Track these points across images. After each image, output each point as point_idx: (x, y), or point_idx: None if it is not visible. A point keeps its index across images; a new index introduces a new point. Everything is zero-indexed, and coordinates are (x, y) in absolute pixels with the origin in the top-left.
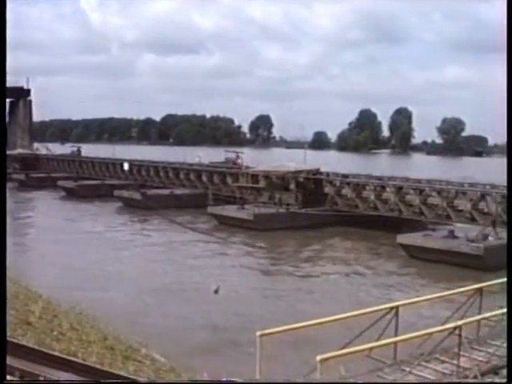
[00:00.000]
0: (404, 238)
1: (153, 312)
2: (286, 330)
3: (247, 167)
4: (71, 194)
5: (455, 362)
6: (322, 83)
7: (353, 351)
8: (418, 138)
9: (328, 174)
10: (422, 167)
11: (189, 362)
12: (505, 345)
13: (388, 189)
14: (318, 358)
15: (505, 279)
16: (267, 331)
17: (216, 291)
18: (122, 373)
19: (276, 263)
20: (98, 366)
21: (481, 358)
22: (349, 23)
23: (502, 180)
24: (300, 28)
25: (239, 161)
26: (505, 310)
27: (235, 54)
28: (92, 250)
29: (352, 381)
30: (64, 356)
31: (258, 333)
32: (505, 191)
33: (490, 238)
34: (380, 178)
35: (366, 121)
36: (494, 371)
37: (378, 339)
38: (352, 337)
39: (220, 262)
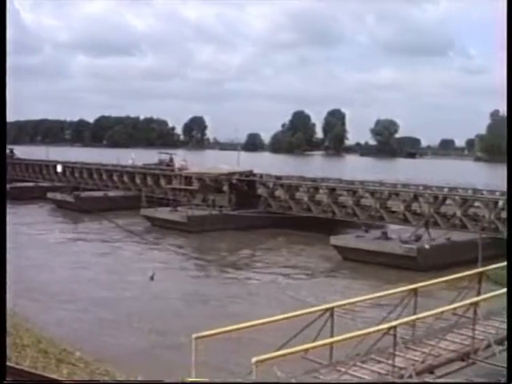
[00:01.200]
0: (337, 240)
1: (80, 316)
2: (222, 332)
3: (180, 169)
4: None
5: (391, 361)
6: (256, 85)
7: (289, 353)
8: (351, 139)
9: (261, 176)
10: (356, 168)
11: (123, 365)
12: (440, 344)
13: (321, 190)
14: (254, 359)
15: (438, 280)
16: (202, 334)
17: (152, 278)
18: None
19: (207, 265)
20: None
21: (416, 358)
22: (282, 24)
23: (435, 181)
24: (233, 29)
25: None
26: (439, 310)
27: (169, 56)
28: (22, 252)
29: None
30: None
31: (194, 335)
32: (437, 192)
33: (423, 239)
34: (313, 180)
35: (299, 122)
36: (430, 370)
37: (314, 340)
38: (287, 338)
39: (149, 264)
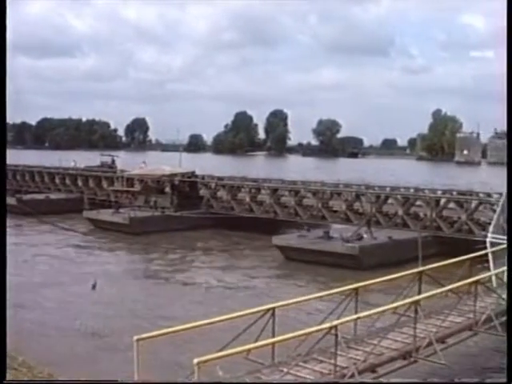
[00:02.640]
0: (279, 240)
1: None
2: (164, 333)
3: (122, 171)
4: None
5: (333, 361)
6: (198, 85)
7: (231, 353)
8: (293, 139)
9: (203, 177)
10: (298, 169)
11: (66, 368)
12: (381, 343)
13: (263, 191)
14: (195, 360)
15: (379, 279)
16: (144, 335)
17: (94, 287)
18: None
19: (148, 267)
20: None
21: (358, 357)
22: (223, 25)
23: (377, 180)
24: (174, 30)
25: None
26: (380, 309)
27: (110, 57)
28: None
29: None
30: None
31: (135, 337)
32: (379, 191)
33: (365, 238)
34: (255, 180)
35: (241, 123)
36: (372, 369)
37: (256, 341)
38: (230, 339)
39: (91, 267)
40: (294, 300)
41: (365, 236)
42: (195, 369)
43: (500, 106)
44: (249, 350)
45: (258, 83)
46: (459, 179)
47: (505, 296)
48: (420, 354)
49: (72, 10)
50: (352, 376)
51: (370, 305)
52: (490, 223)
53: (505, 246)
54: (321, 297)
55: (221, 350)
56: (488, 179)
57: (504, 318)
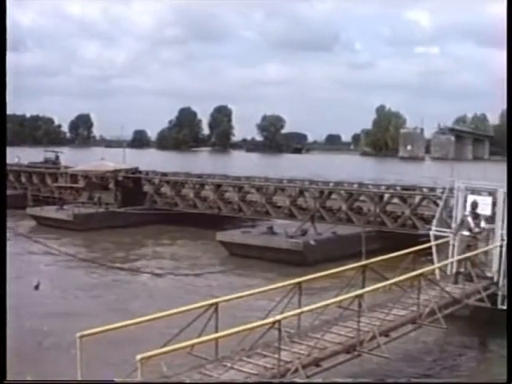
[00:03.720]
0: (223, 236)
1: None
2: (107, 330)
3: (66, 167)
4: None
5: (276, 355)
6: (142, 81)
7: (174, 349)
8: (237, 135)
9: (147, 173)
10: (242, 164)
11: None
12: (325, 337)
13: (207, 186)
14: (139, 357)
15: (323, 273)
16: (87, 332)
17: (37, 287)
18: None
19: (92, 265)
20: None
21: (302, 351)
22: (167, 20)
23: (321, 176)
24: (118, 25)
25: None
26: (324, 303)
27: (54, 52)
28: None
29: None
30: None
31: (78, 334)
32: (322, 186)
33: (308, 234)
34: (199, 176)
35: (185, 119)
36: (316, 363)
37: (199, 336)
38: (174, 335)
39: (33, 267)
40: (237, 295)
41: (309, 231)
42: (138, 365)
43: (443, 101)
44: (192, 346)
45: (202, 79)
46: (403, 174)
47: (448, 289)
48: (364, 347)
49: (15, 4)
50: (296, 370)
51: (313, 299)
52: (433, 218)
53: (448, 239)
54: (264, 291)
55: (164, 346)
56: (432, 174)
57: (447, 311)
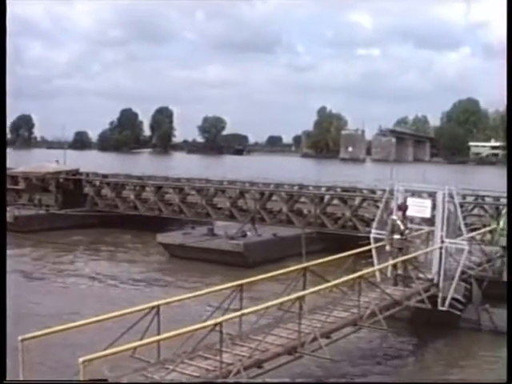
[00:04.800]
0: (164, 237)
1: None
2: (49, 333)
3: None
4: None
5: (218, 358)
6: (83, 82)
7: (116, 351)
8: (179, 136)
9: (88, 174)
10: (183, 166)
11: None
12: (267, 339)
13: (148, 188)
14: (81, 359)
15: (263, 276)
16: (29, 335)
17: None
18: None
19: (31, 268)
20: None
21: (244, 353)
22: (110, 21)
23: (260, 177)
24: (61, 26)
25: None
26: (265, 305)
27: None
28: None
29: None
30: None
31: (20, 337)
32: (263, 188)
33: (249, 235)
34: (140, 178)
35: (127, 120)
36: (258, 365)
37: (142, 339)
38: (115, 338)
39: None
40: (179, 297)
41: (249, 233)
42: (80, 368)
43: (385, 103)
44: (135, 348)
45: (143, 80)
46: (343, 176)
47: (389, 291)
48: (305, 349)
49: None
50: (238, 372)
51: (255, 301)
52: (373, 219)
53: (395, 238)
54: (205, 294)
55: (107, 349)
56: (372, 176)
57: (388, 313)
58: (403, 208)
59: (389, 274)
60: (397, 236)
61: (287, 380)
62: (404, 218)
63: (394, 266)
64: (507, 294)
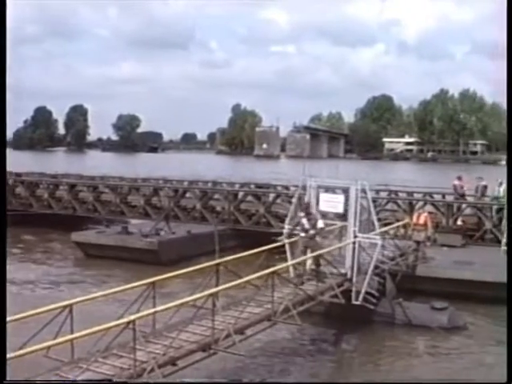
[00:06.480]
0: (78, 236)
1: None
2: None
3: None
4: None
5: (132, 356)
6: None
7: (29, 351)
8: (93, 135)
9: None
10: (97, 164)
11: None
12: (180, 336)
13: (61, 187)
14: None
15: (176, 273)
16: None
17: None
18: None
19: None
20: None
21: (158, 351)
22: (23, 17)
23: (176, 175)
24: None
25: None
26: (178, 302)
27: None
28: None
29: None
30: None
31: None
32: (177, 185)
33: (163, 233)
34: (54, 176)
35: (41, 118)
36: (172, 362)
37: (55, 338)
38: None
39: None
40: (92, 296)
41: (163, 231)
42: None
43: (300, 99)
44: (48, 348)
45: (57, 77)
46: (257, 173)
47: (302, 286)
48: (219, 345)
49: None
50: (152, 370)
51: (169, 298)
52: (287, 215)
53: (301, 236)
54: (119, 292)
55: (20, 349)
56: (287, 172)
57: (302, 308)
58: (306, 207)
59: (292, 274)
60: (302, 234)
61: (205, 380)
62: (308, 216)
63: (301, 264)
64: (507, 293)
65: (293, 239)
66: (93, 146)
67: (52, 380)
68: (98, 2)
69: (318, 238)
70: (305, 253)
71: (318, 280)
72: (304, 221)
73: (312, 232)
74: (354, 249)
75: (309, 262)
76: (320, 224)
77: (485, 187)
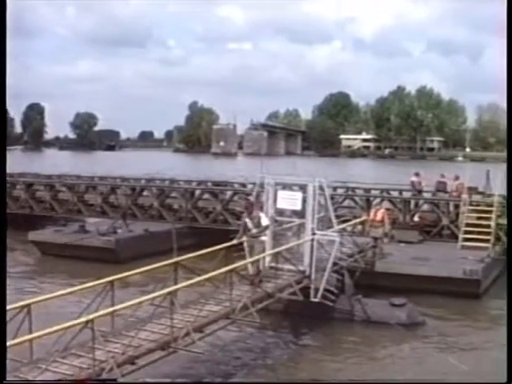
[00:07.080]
0: (35, 235)
1: None
2: None
3: None
4: None
5: (91, 355)
6: None
7: None
8: (50, 133)
9: None
10: (54, 162)
11: None
12: (139, 335)
13: (18, 186)
14: None
15: (134, 271)
16: None
17: None
18: None
19: None
20: None
21: (116, 350)
22: None
23: (134, 173)
24: None
25: None
26: (136, 301)
27: None
28: None
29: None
30: None
31: None
32: (134, 183)
33: (120, 231)
34: (10, 175)
35: None
36: (131, 361)
37: (13, 338)
38: None
39: None
40: (50, 295)
41: (120, 229)
42: None
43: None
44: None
45: (14, 76)
46: (214, 170)
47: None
48: (179, 344)
49: None
50: (111, 369)
51: (127, 297)
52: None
53: (258, 236)
54: (77, 291)
55: None
56: (244, 169)
57: (260, 305)
58: (249, 207)
59: (261, 268)
60: (245, 237)
61: (167, 380)
62: (250, 216)
63: (252, 263)
64: (507, 293)
65: (251, 237)
66: (50, 144)
67: (52, 380)
68: (56, 1)
69: (263, 237)
70: (251, 253)
71: (276, 277)
72: (247, 220)
73: (254, 231)
74: (312, 246)
75: (267, 260)
76: (264, 222)
77: (444, 183)
